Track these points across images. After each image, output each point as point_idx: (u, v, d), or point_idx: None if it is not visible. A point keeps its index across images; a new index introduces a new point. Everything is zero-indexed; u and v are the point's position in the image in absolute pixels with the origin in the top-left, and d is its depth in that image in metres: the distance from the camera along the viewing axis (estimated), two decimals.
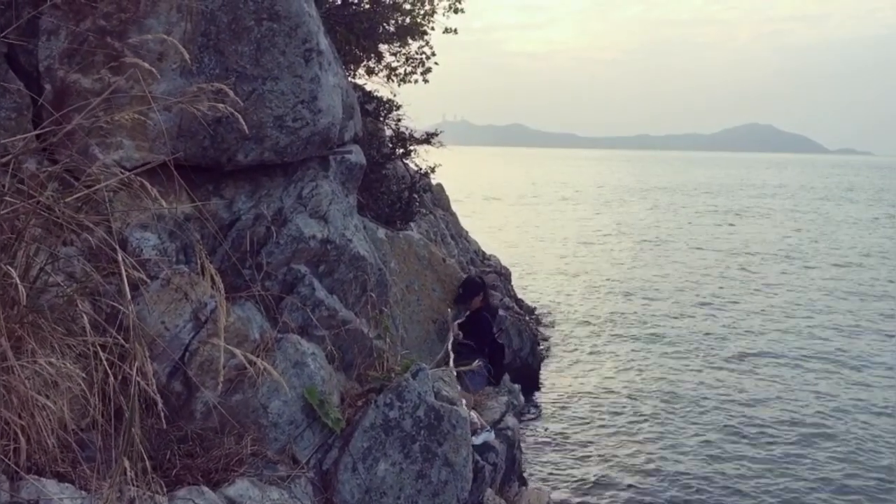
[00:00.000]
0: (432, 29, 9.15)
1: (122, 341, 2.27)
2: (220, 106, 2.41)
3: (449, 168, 11.28)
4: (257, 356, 3.45)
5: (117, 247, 2.14)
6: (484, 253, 16.23)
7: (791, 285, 19.71)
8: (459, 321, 7.23)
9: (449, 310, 6.95)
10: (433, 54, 9.33)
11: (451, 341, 6.62)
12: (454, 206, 16.87)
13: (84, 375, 2.19)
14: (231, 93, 2.47)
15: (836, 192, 65.52)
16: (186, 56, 2.55)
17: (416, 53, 9.30)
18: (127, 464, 1.84)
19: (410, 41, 9.13)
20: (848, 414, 10.01)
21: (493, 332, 7.38)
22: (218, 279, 2.29)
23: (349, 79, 7.22)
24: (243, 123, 2.48)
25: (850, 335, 14.42)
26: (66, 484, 2.36)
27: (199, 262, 2.35)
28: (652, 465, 8.32)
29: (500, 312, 8.23)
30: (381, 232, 6.89)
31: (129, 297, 2.03)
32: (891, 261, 23.86)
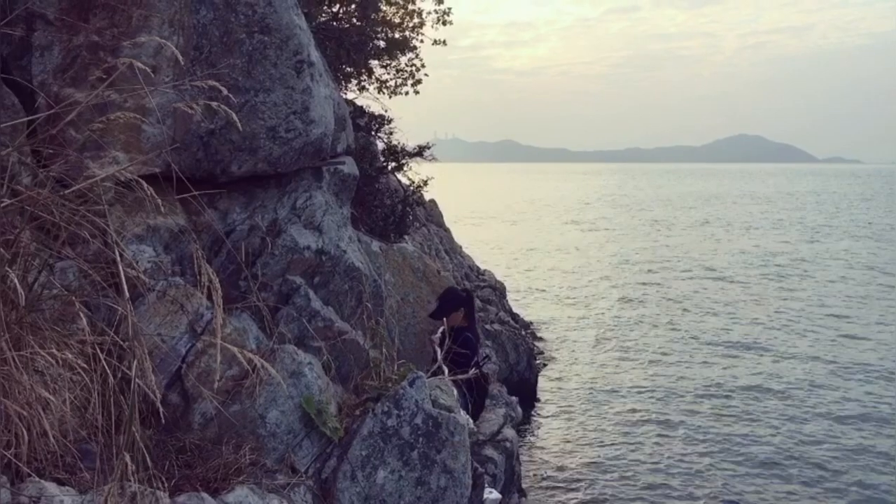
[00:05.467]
0: (421, 42, 9.23)
1: (121, 341, 2.27)
2: (214, 105, 2.44)
3: (442, 184, 11.35)
4: (254, 367, 3.45)
5: (115, 243, 2.15)
6: (479, 268, 16.25)
7: (784, 291, 19.80)
8: (436, 335, 6.08)
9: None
10: (423, 66, 9.40)
11: (441, 353, 5.35)
12: (447, 222, 16.93)
13: (85, 366, 2.19)
14: (224, 90, 2.50)
15: None
16: (180, 58, 2.58)
17: (407, 65, 9.36)
18: (128, 459, 1.84)
19: (400, 55, 9.20)
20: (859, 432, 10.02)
21: (478, 357, 5.88)
22: (216, 281, 2.30)
23: (341, 94, 7.24)
24: (237, 121, 2.50)
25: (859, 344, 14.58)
26: (67, 487, 2.35)
27: (197, 268, 2.36)
28: (651, 477, 8.31)
29: (483, 348, 6.53)
30: (376, 245, 6.90)
31: (126, 295, 2.04)
32: None
